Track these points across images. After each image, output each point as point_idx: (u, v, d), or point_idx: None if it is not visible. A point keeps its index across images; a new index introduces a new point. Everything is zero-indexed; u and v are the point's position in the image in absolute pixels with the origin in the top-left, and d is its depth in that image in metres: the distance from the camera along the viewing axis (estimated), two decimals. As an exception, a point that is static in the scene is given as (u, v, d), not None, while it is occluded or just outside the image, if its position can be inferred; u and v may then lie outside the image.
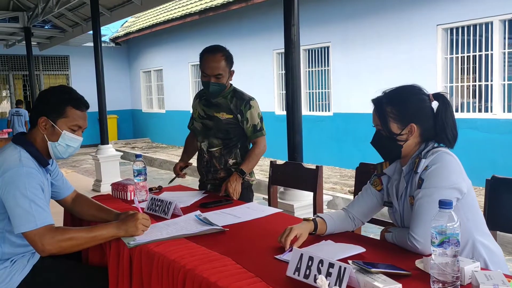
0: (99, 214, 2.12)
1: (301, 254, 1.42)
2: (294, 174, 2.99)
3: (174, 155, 11.03)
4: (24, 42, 9.97)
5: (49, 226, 1.77)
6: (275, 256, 1.63)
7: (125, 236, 1.87)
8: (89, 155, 8.22)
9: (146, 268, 1.74)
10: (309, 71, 9.04)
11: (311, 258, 1.39)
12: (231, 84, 2.81)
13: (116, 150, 8.20)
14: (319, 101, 9.11)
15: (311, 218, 1.80)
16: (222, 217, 2.16)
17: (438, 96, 1.71)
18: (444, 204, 1.27)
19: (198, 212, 2.16)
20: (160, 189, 2.86)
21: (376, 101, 1.75)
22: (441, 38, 6.85)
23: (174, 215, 2.19)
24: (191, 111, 2.98)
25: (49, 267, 1.94)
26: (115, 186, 2.66)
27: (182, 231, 1.91)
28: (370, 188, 1.89)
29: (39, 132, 1.92)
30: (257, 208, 2.34)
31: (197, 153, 2.94)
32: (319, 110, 9.07)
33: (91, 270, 2.04)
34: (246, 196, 2.75)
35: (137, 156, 2.54)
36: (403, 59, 7.30)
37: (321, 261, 1.36)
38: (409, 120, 1.68)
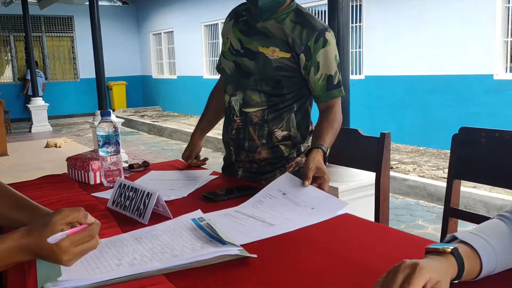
0: (15, 214, 1.12)
1: None
2: (345, 145, 2.00)
3: (186, 124, 10.09)
4: (22, -1, 9.01)
5: None
6: None
7: (39, 260, 0.91)
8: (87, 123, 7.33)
9: None
10: (337, 28, 7.90)
11: None
12: (292, 0, 1.65)
13: (124, 118, 7.32)
14: (348, 63, 8.01)
15: (449, 249, 0.76)
16: (242, 223, 1.18)
17: None
18: None
19: (198, 212, 1.19)
20: (146, 167, 1.87)
21: None
22: (503, -18, 5.69)
23: (158, 215, 1.23)
24: (222, 49, 1.76)
25: None
26: (72, 161, 1.66)
27: (163, 260, 0.94)
28: None
29: None
30: (302, 201, 1.28)
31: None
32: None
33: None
34: None
35: (103, 114, 1.53)
36: (453, 9, 6.12)
37: None
38: None
